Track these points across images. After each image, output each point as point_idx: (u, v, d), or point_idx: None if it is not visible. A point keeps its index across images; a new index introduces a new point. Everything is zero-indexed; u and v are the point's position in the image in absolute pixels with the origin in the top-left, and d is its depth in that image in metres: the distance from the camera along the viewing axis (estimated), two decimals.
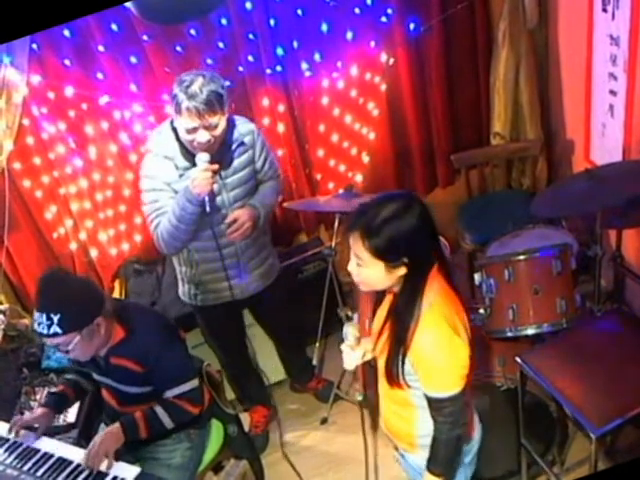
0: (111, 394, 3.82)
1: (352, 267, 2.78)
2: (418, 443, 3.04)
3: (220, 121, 3.78)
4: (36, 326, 3.35)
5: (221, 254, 4.14)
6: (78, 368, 3.91)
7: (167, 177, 3.93)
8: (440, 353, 2.70)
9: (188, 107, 3.67)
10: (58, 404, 3.92)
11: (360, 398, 3.38)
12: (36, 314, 3.34)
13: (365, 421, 3.46)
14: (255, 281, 4.37)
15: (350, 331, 3.08)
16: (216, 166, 3.83)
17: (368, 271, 2.72)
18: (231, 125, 4.03)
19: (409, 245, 2.64)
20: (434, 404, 2.80)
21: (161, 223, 3.96)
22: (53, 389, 4.14)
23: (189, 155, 3.87)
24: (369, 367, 3.35)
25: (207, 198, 3.79)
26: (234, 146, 4.01)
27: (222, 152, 3.96)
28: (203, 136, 3.75)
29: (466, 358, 2.75)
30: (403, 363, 2.77)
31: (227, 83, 3.83)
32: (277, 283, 4.55)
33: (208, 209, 3.83)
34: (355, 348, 3.11)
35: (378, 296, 3.01)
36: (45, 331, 3.30)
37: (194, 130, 3.74)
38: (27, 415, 3.82)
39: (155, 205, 3.99)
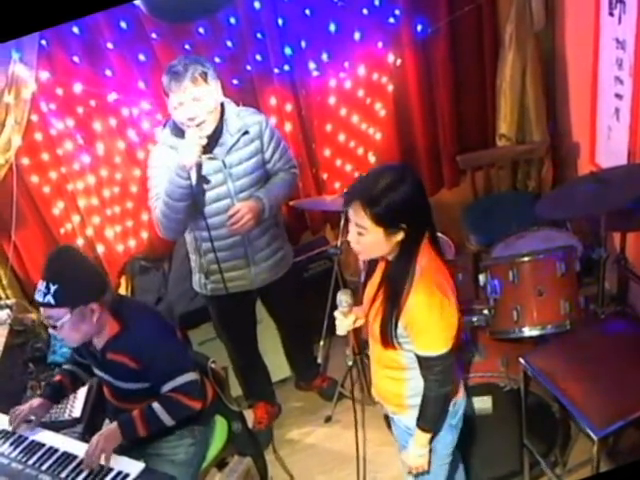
0: (109, 389, 3.84)
1: (352, 237, 2.91)
2: (407, 404, 3.24)
3: (206, 94, 3.82)
4: (36, 293, 3.41)
5: (213, 245, 4.17)
6: (78, 359, 3.92)
7: (171, 165, 3.95)
8: (431, 315, 2.88)
9: (172, 84, 3.75)
10: (55, 395, 3.91)
11: (350, 363, 3.54)
12: (39, 282, 3.40)
13: (359, 420, 3.55)
14: (265, 272, 4.40)
15: (343, 298, 3.21)
16: (205, 140, 3.84)
17: (368, 238, 2.85)
18: (233, 114, 4.07)
19: (407, 210, 2.80)
20: (424, 363, 3.01)
21: (158, 205, 4.01)
22: (50, 380, 4.13)
23: None
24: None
25: (194, 169, 3.84)
26: (238, 135, 4.03)
27: (221, 138, 4.02)
28: (190, 110, 3.80)
29: (455, 319, 2.95)
30: (396, 325, 2.94)
31: (210, 65, 3.88)
32: (289, 276, 4.58)
33: (194, 182, 3.87)
34: (347, 315, 3.25)
35: (370, 267, 3.19)
36: (40, 298, 3.36)
37: (181, 105, 3.80)
38: (24, 407, 3.80)
39: (156, 189, 4.04)
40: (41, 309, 3.47)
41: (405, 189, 2.76)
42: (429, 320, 2.89)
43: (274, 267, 4.44)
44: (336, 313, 3.27)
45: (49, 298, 3.32)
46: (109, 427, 3.59)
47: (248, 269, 4.32)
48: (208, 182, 4.01)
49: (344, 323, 3.27)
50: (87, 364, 3.88)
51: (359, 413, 3.63)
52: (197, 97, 3.79)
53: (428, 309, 2.86)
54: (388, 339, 3.00)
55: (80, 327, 3.45)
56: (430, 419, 3.15)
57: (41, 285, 3.36)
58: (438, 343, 2.94)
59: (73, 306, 3.37)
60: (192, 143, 3.78)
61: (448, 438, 3.33)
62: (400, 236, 2.83)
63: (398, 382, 3.21)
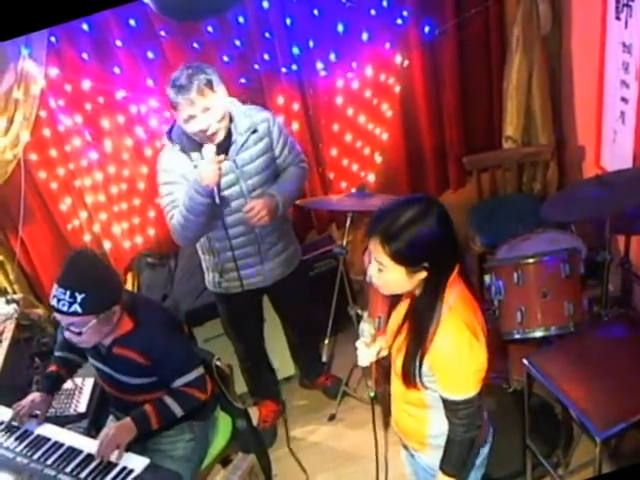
0: (110, 382, 3.84)
1: (373, 272, 2.75)
2: (429, 443, 3.06)
3: (215, 102, 3.82)
4: (54, 302, 3.33)
5: (231, 244, 4.18)
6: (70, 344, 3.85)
7: (182, 169, 3.98)
8: (459, 357, 2.70)
9: (179, 98, 3.75)
10: (54, 386, 3.93)
11: (372, 395, 3.41)
12: (58, 290, 3.31)
13: (375, 418, 3.50)
14: (278, 267, 4.42)
15: (367, 328, 3.07)
16: (222, 157, 3.86)
17: (389, 276, 2.70)
18: (240, 113, 4.08)
19: (429, 249, 2.62)
20: (450, 406, 2.82)
21: (175, 215, 4.01)
22: (46, 371, 4.11)
23: (200, 147, 3.91)
24: (381, 367, 3.37)
25: (215, 189, 3.84)
26: (247, 134, 4.04)
27: (233, 140, 4.02)
28: (203, 122, 3.81)
29: (484, 362, 2.75)
30: (421, 365, 2.77)
31: (213, 70, 3.87)
32: (296, 273, 4.59)
33: (217, 200, 3.88)
34: (370, 345, 3.11)
35: (394, 296, 2.96)
36: (65, 308, 3.29)
37: (192, 118, 3.80)
38: (26, 402, 3.81)
39: (171, 197, 4.04)
40: (59, 316, 3.40)
41: (427, 226, 2.58)
42: (456, 362, 2.72)
43: (286, 262, 4.46)
44: (358, 343, 3.13)
45: (76, 307, 3.28)
46: (123, 421, 3.62)
47: (262, 266, 4.34)
48: (229, 203, 4.05)
49: (366, 354, 3.13)
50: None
51: (364, 413, 3.64)
52: (206, 107, 3.79)
53: (455, 351, 2.69)
54: (411, 378, 2.83)
55: (102, 330, 3.46)
56: (455, 464, 2.94)
57: (63, 294, 3.29)
58: (465, 386, 2.76)
59: (99, 312, 3.37)
60: (211, 162, 3.80)
61: (471, 478, 3.13)
62: (423, 275, 2.66)
63: (420, 421, 3.03)
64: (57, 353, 4.02)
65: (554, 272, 4.06)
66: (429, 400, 2.91)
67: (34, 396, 3.83)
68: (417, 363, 2.76)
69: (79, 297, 3.27)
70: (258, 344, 4.94)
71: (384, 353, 3.18)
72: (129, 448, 3.56)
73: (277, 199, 4.11)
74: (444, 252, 2.67)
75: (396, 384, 3.05)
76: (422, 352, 2.73)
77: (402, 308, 2.92)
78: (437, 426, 2.96)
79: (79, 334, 3.41)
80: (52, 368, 3.97)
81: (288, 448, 4.94)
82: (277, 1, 4.88)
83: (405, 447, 3.31)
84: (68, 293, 3.28)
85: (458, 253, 2.76)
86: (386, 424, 3.61)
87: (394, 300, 3.00)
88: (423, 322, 2.72)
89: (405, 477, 3.58)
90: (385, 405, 3.47)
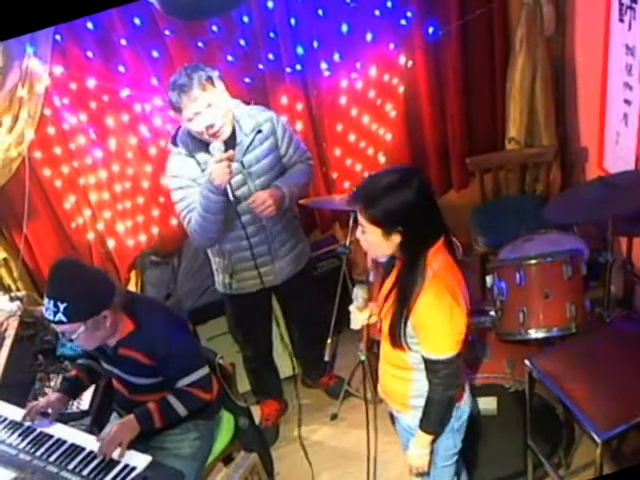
0: (120, 383, 3.86)
1: (358, 234, 3.01)
2: (411, 404, 3.28)
3: (217, 97, 3.84)
4: (44, 310, 3.40)
5: (249, 243, 4.20)
6: (91, 352, 3.93)
7: (191, 174, 3.99)
8: (440, 318, 2.92)
9: (182, 97, 3.75)
10: (72, 389, 3.96)
11: (363, 358, 3.66)
12: (45, 299, 3.38)
13: (370, 420, 3.56)
14: (288, 265, 4.44)
15: (360, 293, 3.32)
16: (231, 152, 3.87)
17: (368, 237, 2.94)
18: (244, 114, 4.09)
19: (403, 215, 2.84)
20: (430, 366, 3.05)
21: (192, 218, 4.02)
22: (67, 374, 4.16)
23: (206, 148, 3.92)
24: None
25: (229, 187, 3.85)
26: (252, 134, 4.05)
27: (238, 142, 4.03)
28: (208, 118, 3.81)
29: (463, 325, 2.98)
30: (405, 325, 2.99)
31: (210, 68, 3.90)
32: (303, 271, 4.61)
33: (231, 197, 3.89)
34: (363, 310, 3.35)
35: (386, 268, 3.22)
36: (51, 317, 3.35)
37: (197, 115, 3.80)
38: (41, 401, 3.85)
39: (185, 202, 4.05)
40: (53, 325, 3.47)
41: (405, 193, 2.81)
42: (437, 323, 2.93)
43: (296, 260, 4.49)
44: (351, 307, 3.35)
45: (60, 316, 3.33)
46: (126, 419, 3.64)
47: (272, 265, 4.37)
48: (239, 200, 4.06)
49: (359, 317, 3.37)
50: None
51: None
52: (210, 103, 3.79)
53: (437, 312, 2.91)
54: (397, 339, 3.04)
55: (95, 334, 3.48)
56: (433, 422, 3.18)
57: (48, 303, 3.35)
58: (445, 347, 2.98)
59: (86, 319, 3.39)
60: (219, 158, 3.80)
61: (449, 442, 3.36)
62: (398, 238, 2.88)
63: (404, 382, 3.25)
64: (79, 360, 4.10)
65: (556, 273, 4.06)
66: (413, 362, 3.15)
67: (50, 395, 3.89)
68: (402, 324, 3.00)
69: (61, 306, 3.32)
70: (266, 345, 4.96)
71: (374, 318, 3.39)
72: (132, 446, 3.57)
73: (283, 190, 4.12)
74: (419, 219, 2.89)
75: (384, 347, 3.28)
76: (407, 313, 2.97)
77: (392, 276, 3.14)
78: (418, 387, 3.20)
79: (71, 341, 3.47)
80: (73, 372, 4.03)
81: (300, 443, 4.99)
82: (282, 1, 4.90)
83: (391, 413, 3.58)
84: (52, 302, 3.34)
85: (439, 223, 2.99)
86: (374, 385, 3.69)
87: (386, 272, 3.22)
88: (407, 285, 2.96)
89: (401, 476, 3.61)
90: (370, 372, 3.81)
